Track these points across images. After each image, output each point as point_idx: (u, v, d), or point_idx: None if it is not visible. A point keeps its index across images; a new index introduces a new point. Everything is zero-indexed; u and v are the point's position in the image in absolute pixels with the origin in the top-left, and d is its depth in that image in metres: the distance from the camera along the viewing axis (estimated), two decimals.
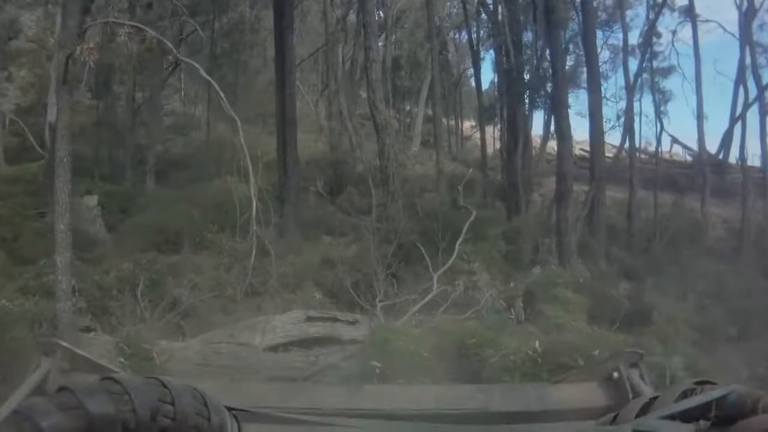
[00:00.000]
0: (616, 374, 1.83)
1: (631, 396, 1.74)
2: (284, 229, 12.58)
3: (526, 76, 16.07)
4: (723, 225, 17.86)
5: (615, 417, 1.36)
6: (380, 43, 21.10)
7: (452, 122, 28.73)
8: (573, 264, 11.72)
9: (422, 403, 1.89)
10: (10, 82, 23.71)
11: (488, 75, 44.09)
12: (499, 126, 19.87)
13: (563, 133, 12.88)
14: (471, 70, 32.00)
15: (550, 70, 14.08)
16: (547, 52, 15.00)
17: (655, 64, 19.14)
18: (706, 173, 17.90)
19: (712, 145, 21.64)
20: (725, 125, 21.67)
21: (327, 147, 18.35)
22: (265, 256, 11.47)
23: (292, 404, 1.78)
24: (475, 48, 20.98)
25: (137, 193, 16.22)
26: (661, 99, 19.42)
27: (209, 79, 9.35)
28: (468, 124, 30.70)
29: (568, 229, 12.08)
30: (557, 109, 13.45)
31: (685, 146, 25.21)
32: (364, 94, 23.74)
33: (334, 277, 10.61)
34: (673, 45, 19.57)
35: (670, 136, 23.37)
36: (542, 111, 17.68)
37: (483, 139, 19.44)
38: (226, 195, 13.91)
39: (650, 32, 17.82)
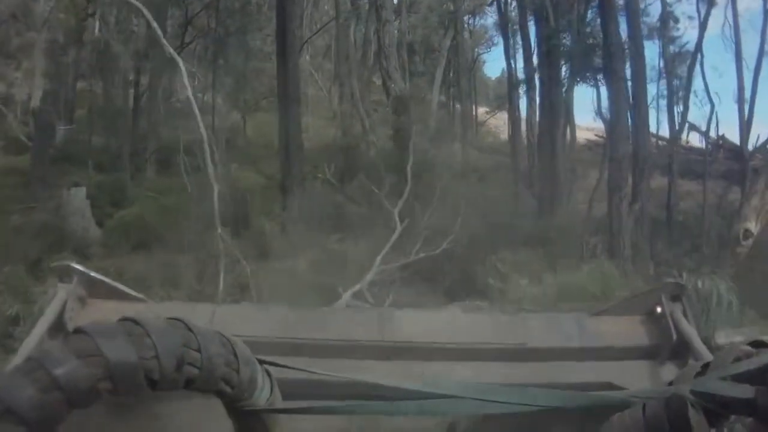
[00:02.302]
0: (659, 309, 1.69)
1: (674, 334, 1.62)
2: (287, 224, 10.04)
3: (564, 44, 12.66)
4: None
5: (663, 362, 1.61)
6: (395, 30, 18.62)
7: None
8: (628, 270, 8.90)
9: (457, 335, 1.68)
10: (20, 71, 21.73)
11: (500, 63, 41.26)
12: (518, 108, 17.06)
13: (619, 110, 10.14)
14: (485, 56, 29.64)
15: (601, 35, 11.10)
16: (589, 13, 12.03)
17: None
18: (747, 161, 14.93)
19: (728, 130, 18.39)
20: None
21: (338, 132, 15.82)
22: (263, 260, 9.09)
23: (318, 335, 1.62)
24: (503, 11, 17.59)
25: (134, 184, 13.96)
26: (679, 84, 16.33)
27: (137, 4, 6.74)
28: (481, 110, 28.30)
29: (621, 227, 9.33)
30: (611, 81, 10.61)
31: (701, 132, 22.45)
32: (378, 81, 21.44)
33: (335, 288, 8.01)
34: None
35: (687, 122, 20.48)
36: (584, 84, 14.25)
37: (513, 117, 16.32)
38: (228, 185, 11.62)
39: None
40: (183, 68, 6.18)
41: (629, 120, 10.59)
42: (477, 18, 27.46)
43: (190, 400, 1.01)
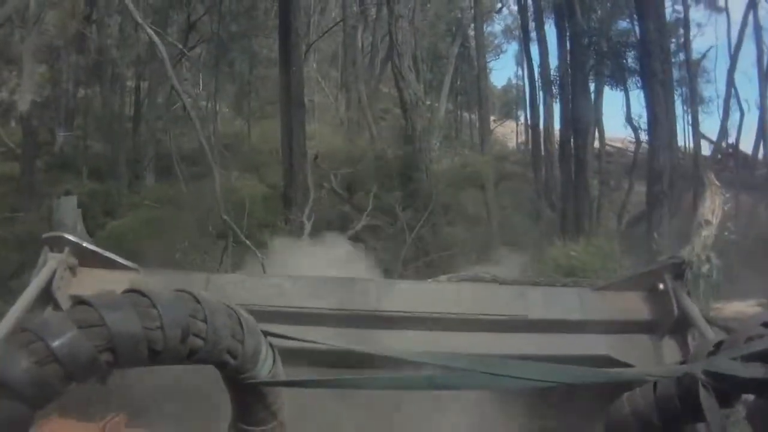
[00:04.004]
0: (661, 285, 1.65)
1: (675, 309, 1.60)
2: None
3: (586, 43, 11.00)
4: None
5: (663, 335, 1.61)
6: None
7: (473, 116, 25.65)
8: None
9: (458, 306, 1.63)
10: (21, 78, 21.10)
11: (505, 72, 40.69)
12: (522, 119, 16.19)
13: (657, 117, 9.14)
14: (490, 65, 28.94)
15: (636, 32, 10.09)
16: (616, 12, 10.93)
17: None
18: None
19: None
20: None
21: (345, 139, 14.98)
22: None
23: (317, 304, 1.56)
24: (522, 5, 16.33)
25: (131, 192, 13.18)
26: (694, 92, 15.32)
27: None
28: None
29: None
30: (647, 84, 9.60)
31: (711, 141, 21.56)
32: (385, 89, 20.72)
33: None
34: None
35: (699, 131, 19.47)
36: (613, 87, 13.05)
37: (532, 124, 15.06)
38: (228, 195, 10.81)
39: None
40: (163, 50, 5.35)
41: (668, 125, 9.62)
42: (485, 25, 26.90)
43: None
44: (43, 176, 12.92)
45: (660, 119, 9.16)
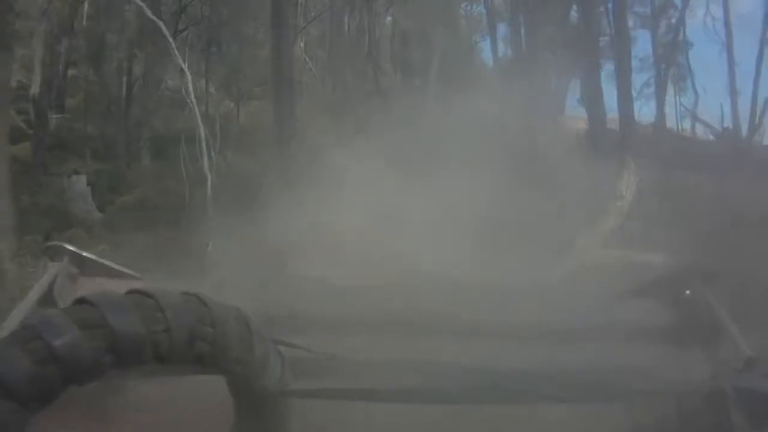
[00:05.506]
0: (688, 292, 1.61)
1: (704, 318, 1.54)
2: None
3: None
4: None
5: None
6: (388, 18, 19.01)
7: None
8: None
9: (477, 312, 1.60)
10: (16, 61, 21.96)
11: (499, 51, 41.17)
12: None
13: (596, 99, 10.54)
14: (481, 44, 29.89)
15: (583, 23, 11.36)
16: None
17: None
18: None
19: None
20: None
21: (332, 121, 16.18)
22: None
23: (335, 311, 1.56)
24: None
25: (131, 171, 14.46)
26: (677, 73, 16.58)
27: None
28: None
29: None
30: (588, 70, 10.98)
31: (706, 124, 22.68)
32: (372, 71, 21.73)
33: None
34: None
35: (690, 112, 20.64)
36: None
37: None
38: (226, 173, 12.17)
39: None
40: (188, 74, 6.54)
41: (604, 108, 11.13)
42: (473, 5, 27.84)
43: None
44: (48, 156, 14.16)
45: (596, 103, 10.55)
